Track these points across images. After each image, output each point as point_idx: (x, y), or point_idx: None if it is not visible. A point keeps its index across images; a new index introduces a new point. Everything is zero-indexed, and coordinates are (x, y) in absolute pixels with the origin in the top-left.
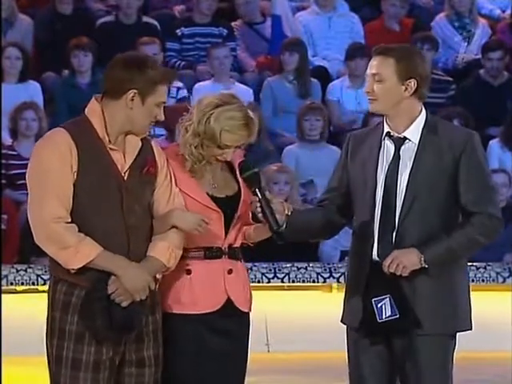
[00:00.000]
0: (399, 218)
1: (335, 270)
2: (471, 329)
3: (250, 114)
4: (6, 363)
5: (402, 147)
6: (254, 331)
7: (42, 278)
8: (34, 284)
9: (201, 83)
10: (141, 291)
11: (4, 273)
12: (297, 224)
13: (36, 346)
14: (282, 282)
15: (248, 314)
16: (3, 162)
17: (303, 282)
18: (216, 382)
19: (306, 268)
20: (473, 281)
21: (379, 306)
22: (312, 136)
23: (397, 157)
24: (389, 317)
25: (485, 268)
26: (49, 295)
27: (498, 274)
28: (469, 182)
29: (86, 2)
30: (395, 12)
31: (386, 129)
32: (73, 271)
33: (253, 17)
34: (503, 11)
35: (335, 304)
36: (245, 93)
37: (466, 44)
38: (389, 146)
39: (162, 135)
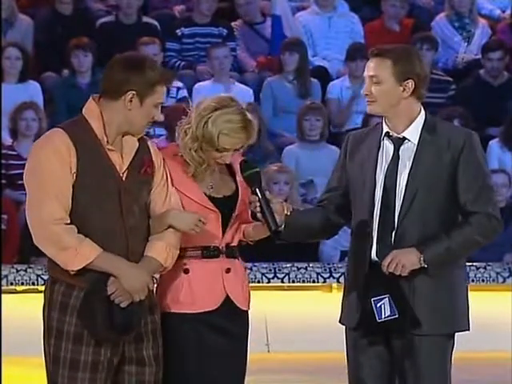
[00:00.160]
0: (398, 218)
1: (335, 270)
2: (469, 329)
3: (249, 116)
4: (5, 363)
5: (402, 147)
6: (254, 331)
7: (41, 278)
8: (33, 284)
9: (201, 83)
10: (140, 291)
11: (4, 273)
12: (296, 224)
13: (36, 346)
14: (282, 282)
15: (247, 312)
16: (3, 162)
17: (303, 282)
18: (216, 381)
19: (306, 268)
20: (473, 281)
21: (378, 305)
22: (312, 136)
23: (396, 157)
24: (388, 317)
25: (485, 268)
26: (46, 295)
27: (497, 274)
28: (468, 181)
29: (86, 2)
30: (395, 12)
31: (385, 129)
32: (72, 272)
33: (253, 17)
34: (503, 11)
35: (335, 304)
36: (245, 93)
37: (465, 44)
38: (388, 146)
39: (162, 135)
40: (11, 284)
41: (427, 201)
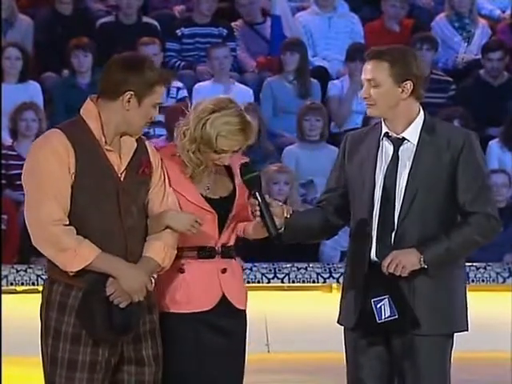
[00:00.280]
0: (398, 219)
1: (335, 270)
2: (467, 329)
3: (247, 117)
4: (5, 363)
5: (401, 148)
6: (254, 331)
7: (41, 279)
8: (33, 284)
9: (201, 83)
10: (139, 292)
11: (4, 273)
12: (295, 226)
13: (36, 346)
14: (282, 282)
15: (244, 311)
16: (3, 162)
17: (303, 282)
18: (215, 380)
19: (306, 268)
20: (473, 281)
21: (378, 306)
22: (312, 136)
23: (395, 157)
24: (388, 317)
25: (485, 268)
26: (44, 295)
27: (497, 274)
28: (467, 182)
29: (86, 2)
30: (395, 12)
31: (384, 129)
32: (71, 273)
33: (254, 17)
34: (503, 11)
35: (335, 304)
36: (245, 93)
37: (465, 44)
38: (387, 147)
39: (162, 135)
40: (11, 284)
41: (427, 201)
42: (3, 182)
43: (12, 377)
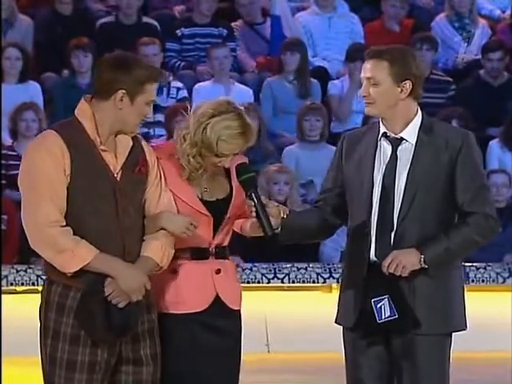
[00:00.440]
0: (398, 219)
1: (335, 270)
2: (466, 328)
3: (247, 120)
4: (5, 363)
5: (399, 147)
6: (254, 331)
7: (41, 279)
8: (33, 284)
9: (201, 84)
10: (137, 291)
11: (4, 273)
12: (292, 226)
13: (36, 346)
14: (282, 282)
15: (239, 311)
16: (3, 162)
17: (303, 282)
18: (211, 380)
19: (305, 268)
20: (473, 281)
21: (378, 306)
22: (312, 136)
23: (394, 157)
24: (388, 317)
25: (485, 268)
26: (43, 295)
27: (497, 274)
28: (465, 182)
29: (85, 2)
30: (395, 12)
31: (382, 129)
32: (69, 274)
33: (254, 17)
34: (503, 12)
35: (335, 304)
36: (245, 93)
37: (465, 44)
38: (385, 147)
39: (162, 135)
40: (11, 284)
41: (426, 201)
42: (3, 182)
43: (12, 377)
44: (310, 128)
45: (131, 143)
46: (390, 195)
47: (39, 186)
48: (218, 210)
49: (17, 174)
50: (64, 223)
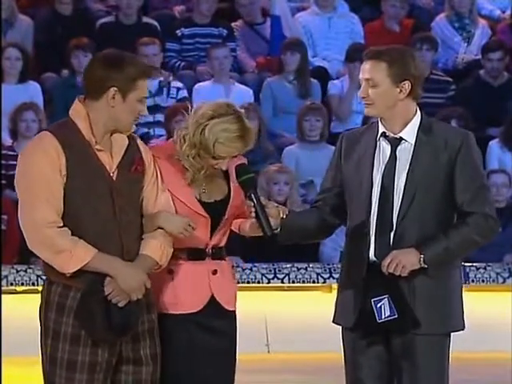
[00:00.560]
0: (397, 218)
1: (335, 270)
2: (464, 329)
3: (246, 123)
4: (5, 363)
5: (398, 147)
6: (254, 331)
7: (41, 279)
8: (33, 284)
9: (201, 84)
10: (137, 290)
11: (4, 273)
12: (291, 226)
13: (36, 346)
14: (282, 282)
15: (234, 312)
16: (3, 162)
17: (303, 282)
18: (208, 380)
19: (305, 268)
20: (473, 281)
21: (378, 306)
22: (312, 136)
23: (393, 157)
24: (388, 317)
25: (485, 268)
26: (43, 295)
27: (497, 274)
28: (465, 182)
29: (85, 2)
30: (395, 12)
31: (381, 129)
32: (68, 275)
33: (254, 17)
34: (503, 12)
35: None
36: (245, 93)
37: (465, 44)
38: (384, 147)
39: (162, 135)
40: (11, 284)
41: (425, 201)
42: (3, 182)
43: (12, 377)
44: (310, 128)
45: (127, 142)
46: (390, 195)
47: (36, 187)
48: (215, 211)
49: None
50: (61, 224)
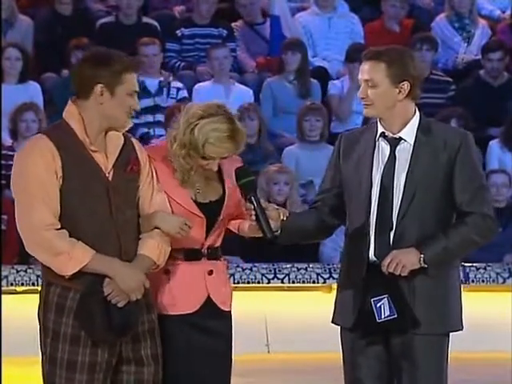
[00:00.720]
0: (397, 218)
1: (335, 270)
2: (462, 329)
3: (237, 125)
4: (5, 363)
5: (398, 147)
6: (254, 331)
7: (41, 279)
8: (34, 285)
9: (201, 84)
10: (136, 290)
11: (4, 273)
12: (291, 228)
13: (36, 346)
14: (282, 282)
15: (229, 312)
16: (3, 162)
17: (303, 282)
18: (205, 380)
19: (306, 269)
20: (473, 281)
21: (378, 305)
22: (312, 137)
23: (393, 157)
24: (387, 317)
25: (485, 269)
26: (41, 296)
27: (497, 274)
28: (464, 182)
29: (85, 2)
30: (395, 13)
31: (380, 129)
32: (67, 277)
33: (254, 17)
34: (503, 12)
35: None
36: (245, 93)
37: (465, 45)
38: (383, 147)
39: (162, 135)
40: (11, 284)
41: (425, 200)
42: (3, 182)
43: (12, 377)
44: (310, 128)
45: (122, 142)
46: (389, 194)
47: (32, 189)
48: (211, 211)
49: None
50: (59, 226)
